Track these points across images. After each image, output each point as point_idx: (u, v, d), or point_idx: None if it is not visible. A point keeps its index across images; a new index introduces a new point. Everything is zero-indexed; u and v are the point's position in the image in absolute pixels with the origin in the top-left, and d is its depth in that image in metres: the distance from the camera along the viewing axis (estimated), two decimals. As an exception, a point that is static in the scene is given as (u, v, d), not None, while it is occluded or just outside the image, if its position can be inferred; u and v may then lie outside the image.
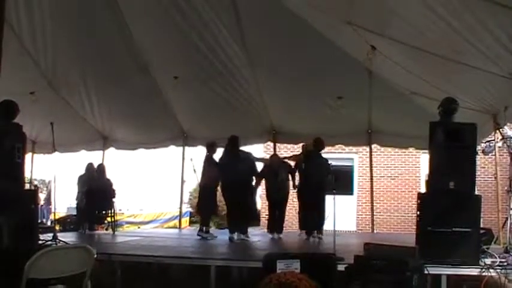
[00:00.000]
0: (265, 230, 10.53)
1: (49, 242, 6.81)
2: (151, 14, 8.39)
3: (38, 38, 8.84)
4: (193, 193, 17.67)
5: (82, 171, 11.07)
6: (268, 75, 9.38)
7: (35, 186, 14.33)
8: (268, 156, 11.11)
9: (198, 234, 9.38)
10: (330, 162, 8.78)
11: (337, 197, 6.65)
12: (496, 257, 5.79)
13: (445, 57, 6.29)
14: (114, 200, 10.70)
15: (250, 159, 9.36)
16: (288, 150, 12.76)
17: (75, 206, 11.23)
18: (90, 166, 11.08)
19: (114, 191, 10.71)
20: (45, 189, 17.29)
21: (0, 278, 4.32)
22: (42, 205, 14.82)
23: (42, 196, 15.62)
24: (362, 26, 6.50)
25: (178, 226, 13.74)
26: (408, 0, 5.61)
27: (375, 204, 12.38)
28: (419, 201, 6.19)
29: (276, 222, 9.73)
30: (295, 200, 9.63)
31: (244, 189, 9.00)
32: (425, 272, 5.25)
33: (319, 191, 8.66)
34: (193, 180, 10.62)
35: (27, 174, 9.85)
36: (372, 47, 6.94)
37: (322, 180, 8.42)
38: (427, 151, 6.55)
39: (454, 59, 6.27)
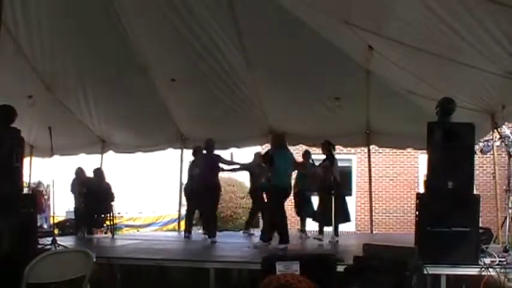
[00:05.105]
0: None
1: (48, 246, 6.80)
2: (149, 16, 8.38)
3: (35, 41, 8.81)
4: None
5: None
6: (266, 77, 9.35)
7: (40, 188, 14.39)
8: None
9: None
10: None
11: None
12: (495, 256, 5.81)
13: (443, 56, 6.28)
14: (113, 203, 10.69)
15: None
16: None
17: (73, 209, 11.22)
18: (79, 170, 11.16)
19: (113, 194, 10.69)
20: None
21: (-1, 283, 4.32)
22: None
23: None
24: (359, 26, 6.47)
25: (177, 229, 13.70)
26: (406, -1, 5.60)
27: (373, 204, 12.38)
28: (418, 202, 6.20)
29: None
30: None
31: None
32: (425, 272, 5.26)
33: None
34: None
35: (25, 179, 9.84)
36: (369, 46, 6.94)
37: None
38: (425, 151, 6.55)
39: (452, 58, 6.26)
